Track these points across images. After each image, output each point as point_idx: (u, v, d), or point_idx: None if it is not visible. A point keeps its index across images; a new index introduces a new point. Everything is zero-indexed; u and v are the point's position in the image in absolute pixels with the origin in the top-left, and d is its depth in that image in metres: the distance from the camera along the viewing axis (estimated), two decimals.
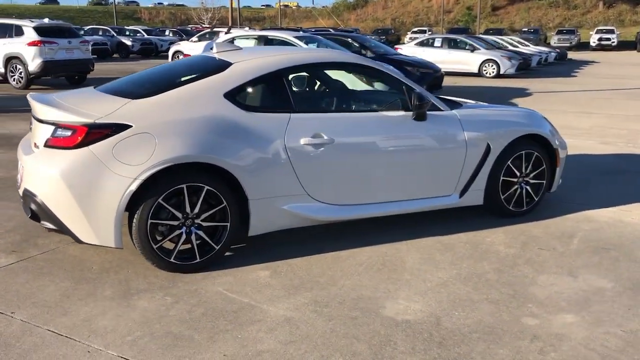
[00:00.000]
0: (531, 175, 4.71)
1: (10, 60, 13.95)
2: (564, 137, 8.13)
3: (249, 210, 3.70)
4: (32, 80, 14.09)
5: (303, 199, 3.88)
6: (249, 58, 4.03)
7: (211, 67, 3.97)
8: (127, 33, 33.54)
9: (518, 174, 4.65)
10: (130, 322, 3.00)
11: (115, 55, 30.57)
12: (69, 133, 3.41)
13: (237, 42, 11.84)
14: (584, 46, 45.57)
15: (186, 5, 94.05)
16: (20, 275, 3.54)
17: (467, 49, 20.60)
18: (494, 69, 20.05)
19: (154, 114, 3.52)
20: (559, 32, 45.93)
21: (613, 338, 2.92)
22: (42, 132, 3.55)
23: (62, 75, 15.04)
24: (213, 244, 3.62)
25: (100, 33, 31.88)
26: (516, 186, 4.67)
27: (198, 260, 3.59)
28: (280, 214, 3.83)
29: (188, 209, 3.52)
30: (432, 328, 2.99)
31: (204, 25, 51.14)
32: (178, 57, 19.58)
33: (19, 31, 13.97)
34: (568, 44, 42.35)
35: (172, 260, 3.52)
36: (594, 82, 18.30)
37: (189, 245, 3.57)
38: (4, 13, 52.43)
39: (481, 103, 5.14)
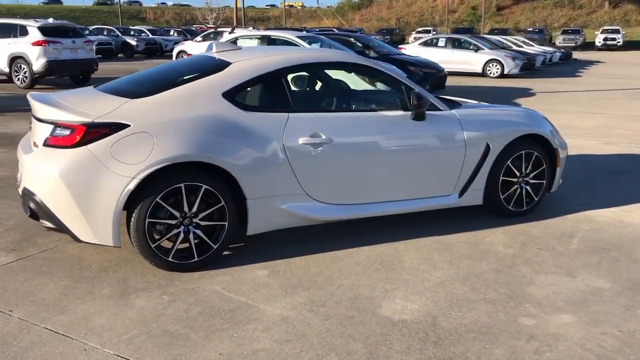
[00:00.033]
0: (531, 175, 4.70)
1: (14, 60, 14.02)
2: (567, 137, 8.12)
3: (247, 210, 3.71)
4: (37, 80, 14.16)
5: (301, 198, 3.88)
6: (247, 58, 4.04)
7: (210, 66, 3.98)
8: (132, 33, 33.66)
9: (518, 173, 4.64)
10: (127, 320, 3.02)
11: (120, 55, 30.66)
12: (67, 132, 3.42)
13: (240, 42, 11.86)
14: (589, 46, 45.41)
15: (191, 5, 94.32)
16: (19, 273, 3.56)
17: (471, 49, 20.57)
18: (497, 69, 20.01)
19: (152, 113, 3.54)
20: (564, 32, 45.80)
21: (610, 338, 2.91)
22: (42, 132, 3.57)
23: (66, 75, 15.10)
24: (211, 243, 3.63)
25: (105, 33, 32.00)
26: (516, 186, 4.66)
27: (196, 259, 3.59)
28: (279, 213, 3.83)
29: (186, 208, 3.53)
30: (428, 328, 2.98)
31: (208, 25, 51.23)
32: (182, 56, 19.62)
33: (23, 31, 14.04)
34: (573, 44, 42.22)
35: (170, 259, 3.53)
36: (599, 82, 18.24)
37: (187, 245, 3.58)
38: (10, 13, 52.69)
39: (482, 103, 5.13)
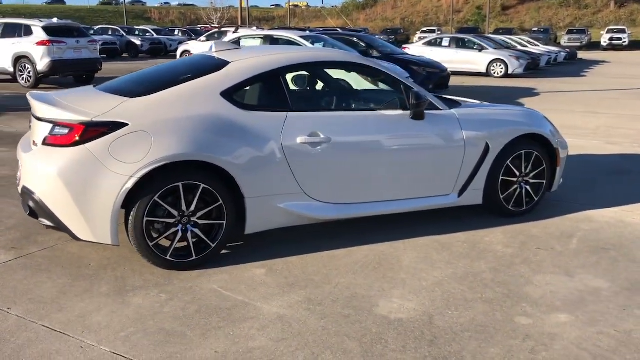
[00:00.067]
0: (531, 175, 4.69)
1: (19, 59, 14.09)
2: (570, 137, 8.10)
3: (245, 209, 3.72)
4: (41, 80, 14.22)
5: (300, 197, 3.89)
6: (246, 57, 4.05)
7: (209, 66, 3.99)
8: (137, 33, 33.72)
9: (518, 173, 4.63)
10: (124, 318, 3.03)
11: (124, 55, 30.74)
12: (66, 131, 3.44)
13: (243, 42, 11.88)
14: (594, 46, 45.24)
15: (196, 5, 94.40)
16: (18, 271, 3.58)
17: (475, 49, 20.52)
18: (502, 68, 19.95)
19: (150, 112, 3.55)
20: (570, 32, 45.61)
21: (606, 338, 2.90)
22: (41, 130, 3.59)
23: (70, 75, 15.17)
24: (209, 242, 3.64)
25: (110, 33, 32.10)
26: (516, 186, 4.65)
27: (194, 258, 3.61)
28: (277, 212, 3.84)
29: (184, 207, 3.54)
30: (424, 327, 2.98)
31: (213, 25, 51.34)
32: (186, 56, 19.65)
33: (28, 31, 14.11)
34: (578, 44, 42.05)
35: (168, 257, 3.55)
36: (604, 82, 18.17)
37: (185, 243, 3.60)
38: (16, 13, 52.91)
39: (482, 102, 5.13)
